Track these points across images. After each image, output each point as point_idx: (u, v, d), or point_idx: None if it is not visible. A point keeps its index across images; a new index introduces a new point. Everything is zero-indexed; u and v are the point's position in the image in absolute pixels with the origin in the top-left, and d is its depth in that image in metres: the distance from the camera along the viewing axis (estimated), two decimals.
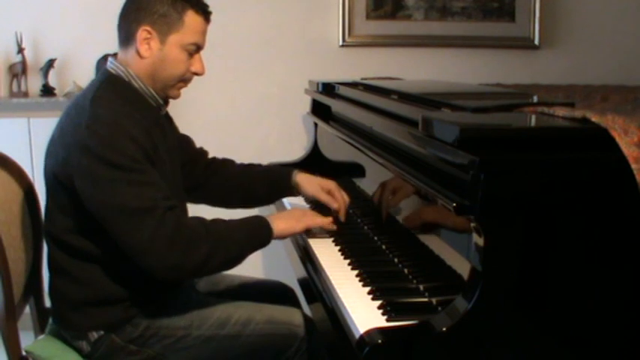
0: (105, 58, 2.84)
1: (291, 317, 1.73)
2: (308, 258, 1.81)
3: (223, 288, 1.93)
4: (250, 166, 2.06)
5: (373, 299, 1.45)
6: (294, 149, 2.96)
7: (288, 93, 3.07)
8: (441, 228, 1.48)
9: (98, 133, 1.53)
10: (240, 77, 3.07)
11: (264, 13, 3.07)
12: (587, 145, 1.30)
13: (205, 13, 1.69)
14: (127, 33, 1.66)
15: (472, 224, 1.23)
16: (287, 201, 2.25)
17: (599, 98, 2.21)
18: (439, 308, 1.37)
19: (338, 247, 1.81)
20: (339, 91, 2.42)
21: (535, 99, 1.82)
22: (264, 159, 2.74)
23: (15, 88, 2.93)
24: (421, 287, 1.51)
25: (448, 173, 1.37)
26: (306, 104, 2.79)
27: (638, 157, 1.24)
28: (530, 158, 1.25)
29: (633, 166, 1.23)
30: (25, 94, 2.93)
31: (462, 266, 1.32)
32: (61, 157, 1.57)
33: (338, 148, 2.36)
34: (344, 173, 2.23)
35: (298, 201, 2.20)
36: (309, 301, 1.71)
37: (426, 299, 1.46)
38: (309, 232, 1.89)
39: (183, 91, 1.76)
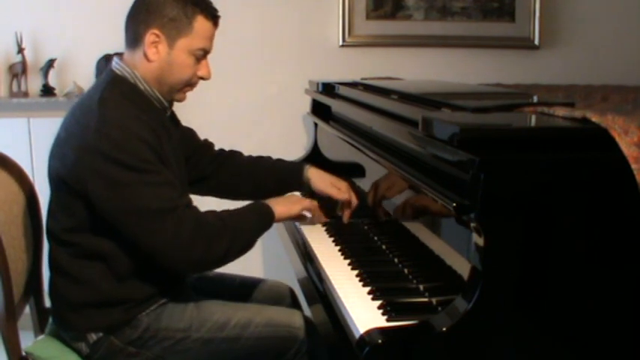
0: (105, 58, 2.85)
1: (290, 319, 1.73)
2: (308, 258, 1.81)
3: (223, 289, 1.93)
4: (259, 158, 2.07)
5: (373, 299, 1.45)
6: (294, 149, 2.95)
7: (288, 93, 3.07)
8: (440, 227, 1.48)
9: (109, 136, 1.53)
10: (240, 77, 3.07)
11: (264, 13, 3.07)
12: (587, 145, 1.30)
13: (214, 19, 1.69)
14: (134, 35, 1.66)
15: (472, 224, 1.23)
16: None
17: (599, 98, 2.21)
18: (439, 308, 1.37)
19: (338, 247, 1.81)
20: (339, 91, 2.42)
21: (535, 99, 1.82)
22: None
23: (15, 88, 2.93)
24: (421, 287, 1.51)
25: (448, 173, 1.37)
26: (306, 104, 2.78)
27: (638, 157, 1.24)
28: (530, 158, 1.25)
29: (633, 166, 1.23)
30: (25, 94, 2.93)
31: (462, 266, 1.32)
32: (70, 160, 1.57)
33: (338, 148, 2.36)
34: (344, 173, 2.23)
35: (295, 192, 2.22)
36: (309, 301, 1.71)
37: (426, 299, 1.46)
38: (302, 220, 1.91)
39: None
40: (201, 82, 1.77)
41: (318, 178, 1.98)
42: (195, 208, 1.64)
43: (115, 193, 1.54)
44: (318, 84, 2.60)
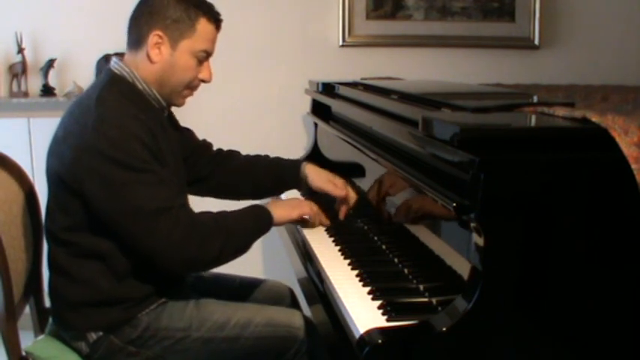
0: (105, 58, 2.85)
1: (290, 319, 1.73)
2: (308, 258, 1.81)
3: (223, 289, 1.93)
4: (257, 157, 2.07)
5: (373, 299, 1.45)
6: (294, 149, 2.95)
7: (288, 93, 3.08)
8: (440, 227, 1.48)
9: (106, 135, 1.53)
10: (240, 77, 3.07)
11: (264, 13, 3.07)
12: (587, 145, 1.30)
13: (217, 21, 1.70)
14: (137, 36, 1.66)
15: (472, 224, 1.23)
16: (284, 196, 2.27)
17: (599, 98, 2.21)
18: (439, 308, 1.37)
19: (338, 247, 1.81)
20: (339, 91, 2.42)
21: (535, 99, 1.82)
22: None
23: (15, 88, 2.93)
24: (421, 287, 1.51)
25: (448, 173, 1.37)
26: (306, 104, 2.79)
27: (638, 157, 1.24)
28: (530, 158, 1.25)
29: (633, 166, 1.23)
30: (25, 94, 2.93)
31: (462, 266, 1.32)
32: (68, 159, 1.57)
33: (338, 148, 2.36)
34: (344, 173, 2.23)
35: (295, 193, 2.22)
36: (309, 301, 1.71)
37: (426, 299, 1.46)
38: (303, 224, 1.91)
39: None
40: (200, 84, 1.77)
41: (316, 175, 1.98)
42: (190, 209, 1.64)
43: (111, 193, 1.54)
44: (318, 84, 2.60)
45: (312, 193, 2.03)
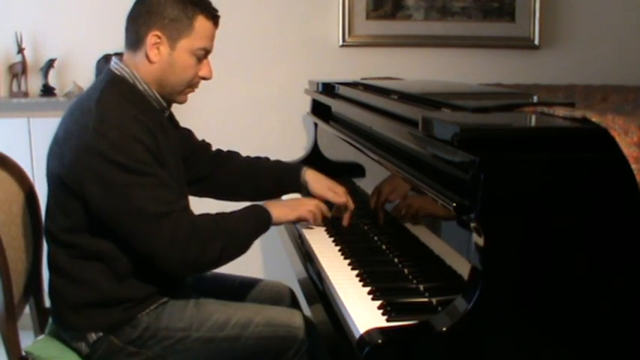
0: (105, 58, 2.85)
1: (290, 319, 1.73)
2: (308, 258, 1.81)
3: (223, 289, 1.93)
4: (257, 159, 2.07)
5: (373, 299, 1.45)
6: (294, 149, 2.95)
7: (288, 93, 3.07)
8: (440, 227, 1.48)
9: (107, 137, 1.53)
10: (240, 77, 3.07)
11: (264, 13, 3.07)
12: (587, 145, 1.30)
13: (215, 18, 1.70)
14: (135, 36, 1.66)
15: (472, 224, 1.23)
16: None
17: (599, 98, 2.21)
18: (439, 308, 1.37)
19: (338, 248, 1.81)
20: (339, 91, 2.42)
21: (535, 99, 1.81)
22: None
23: (15, 88, 2.93)
24: (421, 287, 1.51)
25: (448, 173, 1.37)
26: (306, 104, 2.78)
27: (638, 157, 1.24)
28: (530, 158, 1.25)
29: (633, 166, 1.23)
30: (25, 94, 2.93)
31: (462, 266, 1.32)
32: (68, 160, 1.57)
33: (338, 148, 2.36)
34: (344, 173, 2.23)
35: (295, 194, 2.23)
36: (309, 302, 1.71)
37: (426, 299, 1.46)
38: (303, 223, 1.91)
39: None
40: (202, 82, 1.77)
41: (316, 182, 1.97)
42: (191, 211, 1.64)
43: (111, 195, 1.54)
44: (318, 84, 2.60)
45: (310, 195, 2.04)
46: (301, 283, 1.84)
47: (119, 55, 1.72)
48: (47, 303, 1.80)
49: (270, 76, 3.10)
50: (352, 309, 1.40)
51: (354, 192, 2.09)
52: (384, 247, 1.78)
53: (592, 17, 3.24)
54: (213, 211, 1.69)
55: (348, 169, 2.20)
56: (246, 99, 3.10)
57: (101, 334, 1.64)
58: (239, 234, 1.67)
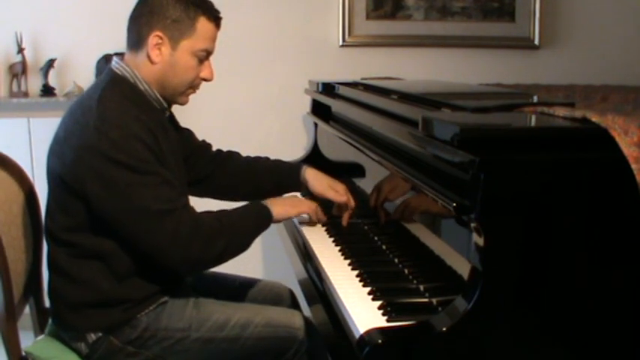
0: (105, 58, 2.85)
1: (290, 319, 1.73)
2: (308, 258, 1.81)
3: (223, 289, 1.93)
4: (257, 159, 2.07)
5: (373, 299, 1.45)
6: (294, 149, 2.95)
7: (288, 93, 3.08)
8: (440, 227, 1.48)
9: (108, 136, 1.53)
10: (240, 77, 3.07)
11: (264, 13, 3.07)
12: (587, 145, 1.30)
13: (216, 20, 1.70)
14: (137, 37, 1.66)
15: (472, 224, 1.23)
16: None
17: (599, 98, 2.21)
18: (439, 308, 1.37)
19: (338, 248, 1.81)
20: (339, 91, 2.42)
21: (535, 99, 1.81)
22: None
23: (15, 88, 2.93)
24: (421, 287, 1.51)
25: (448, 173, 1.37)
26: (306, 104, 2.78)
27: (638, 157, 1.24)
28: (530, 158, 1.25)
29: (633, 166, 1.23)
30: (25, 94, 2.93)
31: (462, 266, 1.32)
32: (69, 159, 1.57)
33: (338, 148, 2.36)
34: (344, 173, 2.23)
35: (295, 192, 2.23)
36: (310, 302, 1.71)
37: (426, 299, 1.46)
38: (302, 218, 1.93)
39: None
40: (202, 82, 1.77)
41: (316, 181, 1.98)
42: (193, 209, 1.65)
43: (113, 194, 1.54)
44: (318, 84, 2.60)
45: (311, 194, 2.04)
46: (301, 283, 1.84)
47: (120, 55, 1.72)
48: (47, 303, 1.80)
49: (270, 76, 3.10)
50: (352, 309, 1.40)
51: (354, 192, 2.09)
52: (384, 247, 1.78)
53: (592, 17, 3.24)
54: (214, 209, 1.70)
55: (348, 169, 2.20)
56: (246, 99, 3.10)
57: (100, 334, 1.64)
58: (241, 231, 1.67)
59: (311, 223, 1.96)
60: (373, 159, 1.81)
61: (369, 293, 1.48)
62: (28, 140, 2.88)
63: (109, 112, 1.57)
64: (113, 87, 1.64)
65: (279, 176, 2.02)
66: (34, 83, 2.96)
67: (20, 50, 2.89)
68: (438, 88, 2.25)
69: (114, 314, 1.63)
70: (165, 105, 1.73)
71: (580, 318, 1.27)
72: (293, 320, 1.72)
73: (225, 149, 2.09)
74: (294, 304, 1.99)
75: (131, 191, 1.53)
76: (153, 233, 1.55)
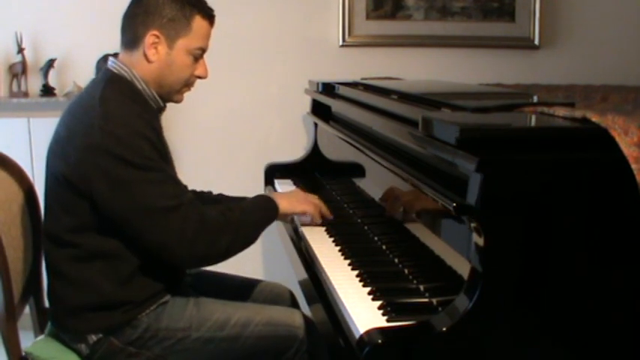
0: (105, 58, 2.85)
1: (290, 318, 1.73)
2: (308, 258, 1.81)
3: (222, 289, 1.93)
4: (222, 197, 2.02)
5: (373, 299, 1.45)
6: (294, 149, 2.96)
7: (288, 93, 3.07)
8: (440, 227, 1.48)
9: (113, 134, 1.54)
10: (240, 77, 3.07)
11: (264, 13, 3.07)
12: (587, 145, 1.30)
13: (211, 18, 1.71)
14: (133, 36, 1.67)
15: (472, 224, 1.23)
16: (279, 187, 2.30)
17: (599, 98, 2.21)
18: (439, 308, 1.37)
19: (338, 248, 1.81)
20: (339, 91, 2.42)
21: (535, 99, 1.82)
22: (264, 159, 2.74)
23: (15, 88, 2.93)
24: (421, 287, 1.51)
25: (448, 173, 1.37)
26: (306, 104, 2.78)
27: (638, 157, 1.24)
28: (530, 158, 1.25)
29: (633, 166, 1.23)
30: (25, 94, 2.93)
31: (462, 266, 1.32)
32: (74, 159, 1.57)
33: (338, 148, 2.36)
34: (344, 173, 2.23)
35: (289, 185, 2.27)
36: (309, 302, 1.71)
37: (426, 299, 1.46)
38: (303, 219, 1.93)
39: None
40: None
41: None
42: (198, 204, 1.65)
43: (120, 192, 1.54)
44: (318, 84, 2.60)
45: (311, 189, 2.05)
46: (301, 283, 1.84)
47: (116, 55, 1.72)
48: (47, 303, 1.79)
49: (270, 76, 3.10)
50: (352, 309, 1.40)
51: (354, 192, 2.09)
52: (384, 247, 1.78)
53: (592, 17, 3.24)
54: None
55: (348, 169, 2.20)
56: (246, 99, 3.10)
57: (101, 335, 1.64)
58: (246, 226, 1.69)
59: (312, 223, 1.95)
60: (373, 159, 1.81)
61: (369, 293, 1.48)
62: (28, 140, 2.88)
63: (113, 110, 1.58)
64: (112, 85, 1.65)
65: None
66: (34, 83, 2.96)
67: (20, 50, 2.89)
68: (438, 88, 2.25)
69: (115, 316, 1.63)
70: (162, 104, 1.74)
71: (580, 318, 1.27)
72: (293, 319, 1.73)
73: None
74: (294, 305, 1.99)
75: (137, 189, 1.54)
76: (159, 230, 1.56)
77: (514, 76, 3.10)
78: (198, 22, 1.68)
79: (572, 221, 1.26)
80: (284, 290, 2.03)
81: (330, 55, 3.12)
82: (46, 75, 2.92)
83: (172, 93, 1.73)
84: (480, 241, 1.21)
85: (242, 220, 1.68)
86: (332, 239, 1.88)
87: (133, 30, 1.67)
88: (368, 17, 3.10)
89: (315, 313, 1.64)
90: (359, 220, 2.00)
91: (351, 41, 3.10)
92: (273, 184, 2.58)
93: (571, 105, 1.57)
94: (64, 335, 1.71)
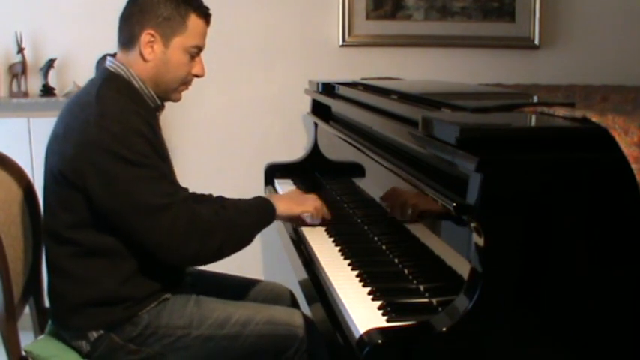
0: (105, 58, 2.85)
1: (290, 318, 1.73)
2: (308, 258, 1.81)
3: (222, 289, 1.93)
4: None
5: (373, 299, 1.45)
6: (294, 149, 2.96)
7: (288, 93, 3.07)
8: (440, 227, 1.48)
9: (109, 130, 1.54)
10: (240, 77, 3.07)
11: (263, 13, 3.07)
12: (587, 145, 1.30)
13: (206, 16, 1.73)
14: (129, 35, 1.68)
15: (472, 224, 1.23)
16: (279, 187, 2.28)
17: (599, 98, 2.21)
18: (439, 308, 1.37)
19: (338, 248, 1.81)
20: (339, 91, 2.42)
21: (535, 99, 1.82)
22: (264, 159, 2.75)
23: (15, 88, 2.93)
24: (421, 287, 1.51)
25: (448, 173, 1.37)
26: (306, 104, 2.79)
27: (638, 157, 1.24)
28: (530, 158, 1.25)
29: (633, 166, 1.23)
30: (25, 94, 2.93)
31: (462, 266, 1.32)
32: (69, 155, 1.58)
33: (338, 148, 2.36)
34: (344, 173, 2.23)
35: (289, 186, 2.26)
36: (309, 301, 1.71)
37: (426, 299, 1.46)
38: (302, 221, 1.92)
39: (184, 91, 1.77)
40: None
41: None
42: (191, 203, 1.65)
43: (113, 188, 1.55)
44: (318, 84, 2.60)
45: (311, 189, 2.04)
46: (301, 283, 1.84)
47: (114, 55, 1.73)
48: (47, 303, 1.79)
49: (270, 76, 3.10)
50: (352, 309, 1.40)
51: (354, 192, 2.09)
52: (384, 247, 1.78)
53: (592, 17, 3.24)
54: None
55: (348, 169, 2.20)
56: (246, 99, 3.10)
57: (102, 331, 1.64)
58: (240, 226, 1.69)
59: (312, 223, 1.95)
60: (373, 159, 1.81)
61: (369, 293, 1.48)
62: (28, 140, 2.88)
63: (109, 107, 1.58)
64: (110, 83, 1.66)
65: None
66: (34, 83, 2.96)
67: (20, 50, 2.89)
68: (437, 88, 2.25)
69: (116, 312, 1.64)
70: (159, 103, 1.74)
71: (580, 318, 1.27)
72: (293, 318, 1.73)
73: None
74: (294, 305, 1.99)
75: (129, 186, 1.54)
76: (150, 228, 1.56)
77: (514, 76, 3.10)
78: (194, 20, 1.69)
79: (572, 221, 1.26)
80: (284, 290, 2.03)
81: (330, 55, 3.12)
82: (46, 75, 2.92)
83: (169, 91, 1.73)
84: (480, 241, 1.21)
85: (236, 219, 1.68)
86: (332, 239, 1.88)
87: (129, 29, 1.68)
88: (368, 17, 3.10)
89: (315, 313, 1.64)
90: (359, 220, 2.00)
91: (351, 41, 3.10)
92: (273, 184, 2.59)
93: (571, 105, 1.57)
94: (64, 333, 1.71)
